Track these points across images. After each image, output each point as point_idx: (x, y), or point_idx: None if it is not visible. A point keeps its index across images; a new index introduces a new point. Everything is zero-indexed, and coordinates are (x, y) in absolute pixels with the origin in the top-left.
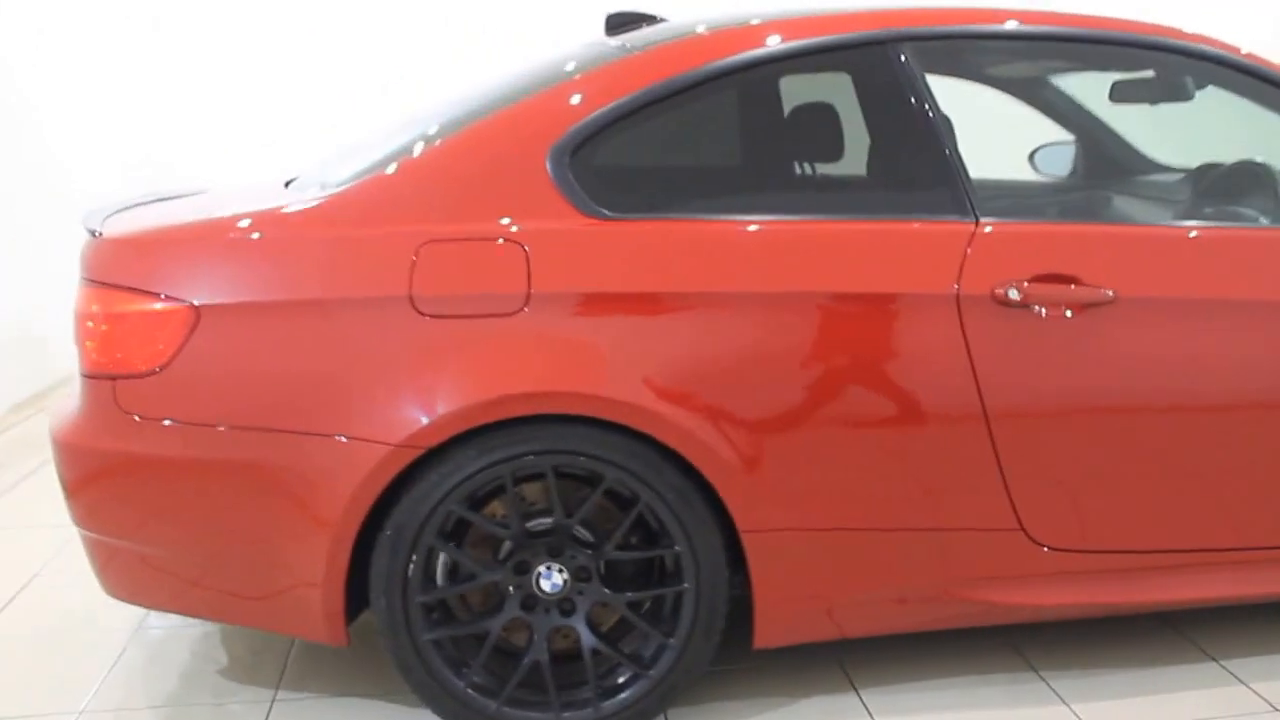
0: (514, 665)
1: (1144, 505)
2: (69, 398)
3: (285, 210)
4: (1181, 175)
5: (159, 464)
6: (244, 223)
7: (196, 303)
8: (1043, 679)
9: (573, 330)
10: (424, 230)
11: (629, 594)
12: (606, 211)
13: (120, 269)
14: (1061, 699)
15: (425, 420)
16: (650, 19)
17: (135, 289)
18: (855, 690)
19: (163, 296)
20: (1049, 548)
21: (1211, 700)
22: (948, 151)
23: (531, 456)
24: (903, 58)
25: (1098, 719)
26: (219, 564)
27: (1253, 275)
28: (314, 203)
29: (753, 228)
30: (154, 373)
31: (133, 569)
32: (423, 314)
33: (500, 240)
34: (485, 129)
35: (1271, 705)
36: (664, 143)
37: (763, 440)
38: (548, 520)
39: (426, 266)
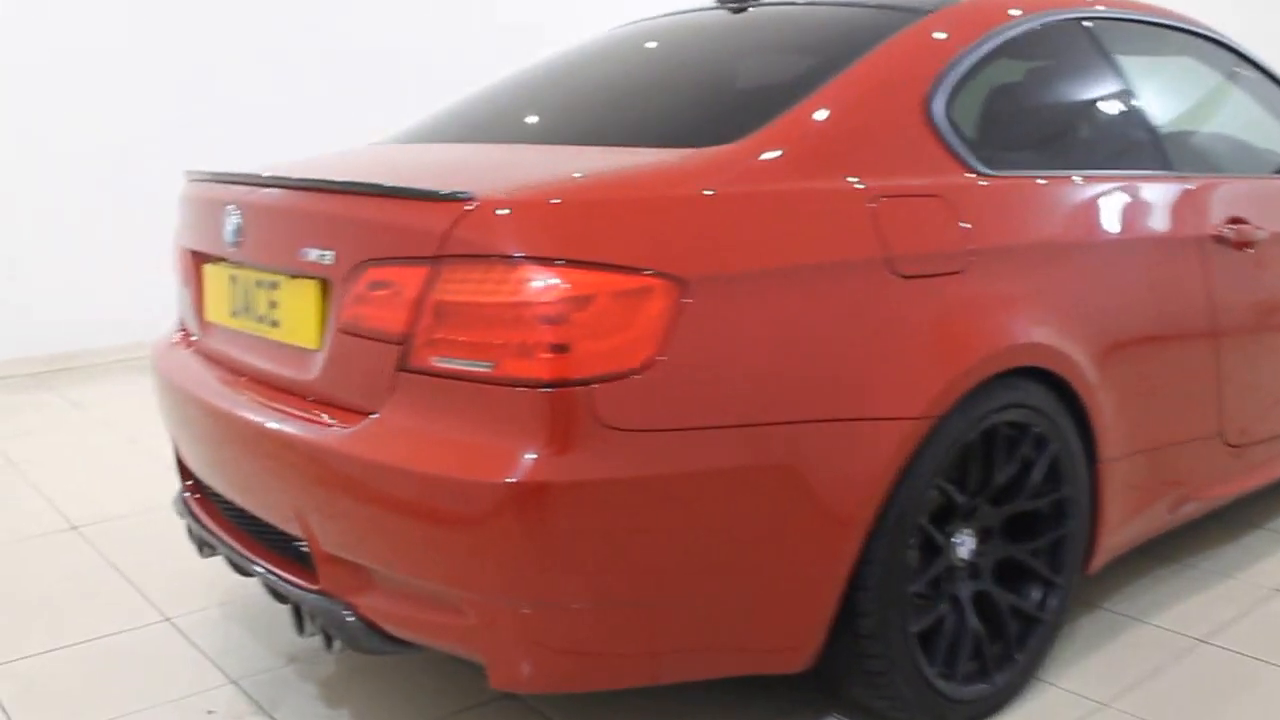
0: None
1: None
2: (381, 429)
3: (724, 161)
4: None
5: (653, 489)
6: (697, 176)
7: (684, 276)
8: None
9: (1010, 285)
10: (867, 186)
11: (1031, 544)
12: (984, 167)
13: (575, 240)
14: None
15: (936, 387)
16: None
17: (608, 265)
18: None
19: (646, 271)
20: (1232, 444)
21: None
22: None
23: (993, 415)
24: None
25: None
26: (710, 605)
27: None
28: (746, 153)
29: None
30: (640, 370)
31: (581, 641)
32: (899, 275)
33: (929, 196)
34: (856, 79)
35: None
36: (1014, 96)
37: (1122, 374)
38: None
39: (887, 225)
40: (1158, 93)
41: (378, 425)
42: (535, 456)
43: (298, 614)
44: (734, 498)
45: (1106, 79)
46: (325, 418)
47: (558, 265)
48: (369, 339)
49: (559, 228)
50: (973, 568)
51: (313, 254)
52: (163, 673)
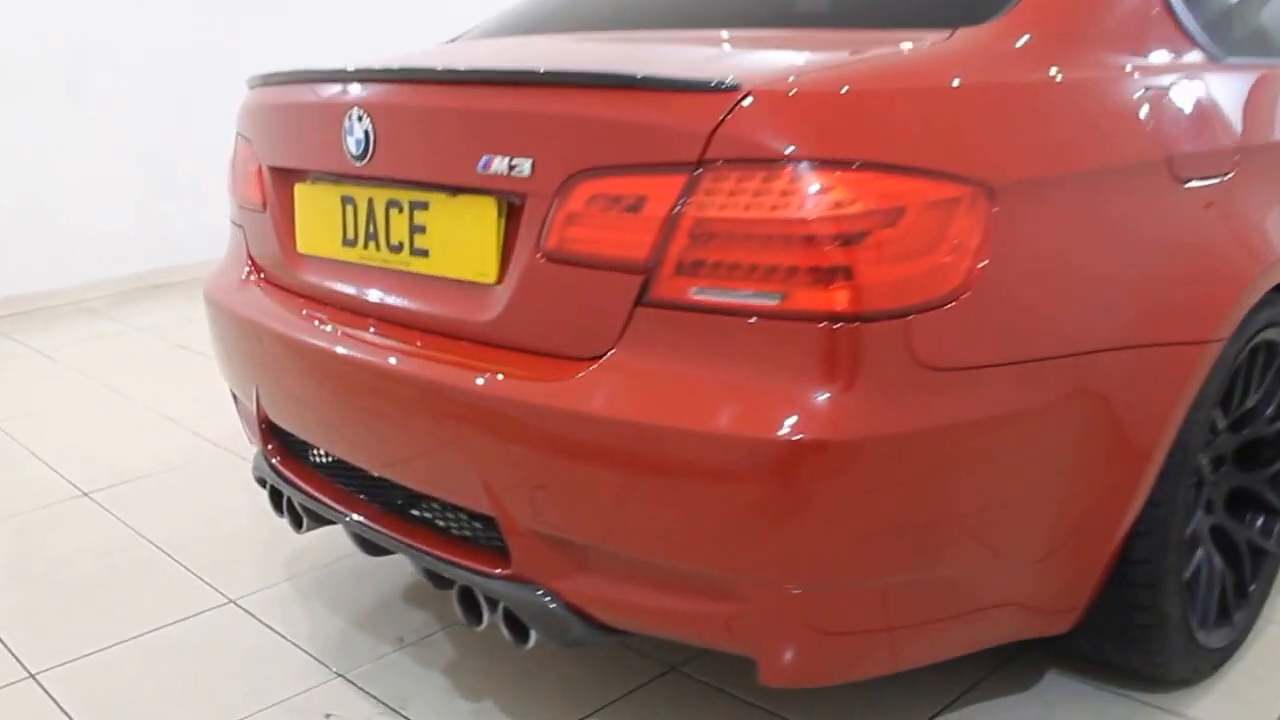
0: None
1: None
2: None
3: (991, 46)
4: None
5: (967, 437)
6: (975, 64)
7: (992, 183)
8: None
9: (1271, 188)
10: (1131, 75)
11: (1263, 471)
12: (1220, 52)
13: (877, 140)
14: None
15: (1225, 306)
16: None
17: (917, 170)
18: None
19: (956, 177)
20: None
21: None
22: None
23: (1259, 334)
24: None
25: None
26: (1000, 565)
27: None
28: (1006, 36)
29: None
30: (955, 297)
31: (864, 622)
32: (1178, 180)
33: (1185, 85)
34: None
35: None
36: None
37: None
38: None
39: (1159, 120)
40: None
41: (609, 372)
42: (839, 406)
43: (468, 600)
44: (1044, 439)
45: None
46: (516, 367)
47: (859, 170)
48: (591, 268)
49: (857, 125)
50: (1208, 502)
51: (497, 164)
52: (252, 668)
